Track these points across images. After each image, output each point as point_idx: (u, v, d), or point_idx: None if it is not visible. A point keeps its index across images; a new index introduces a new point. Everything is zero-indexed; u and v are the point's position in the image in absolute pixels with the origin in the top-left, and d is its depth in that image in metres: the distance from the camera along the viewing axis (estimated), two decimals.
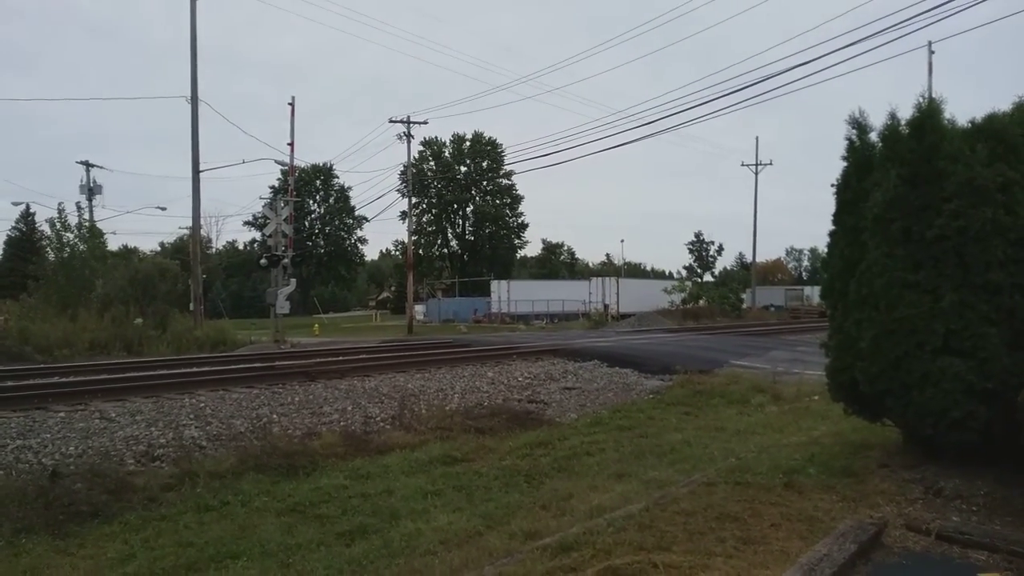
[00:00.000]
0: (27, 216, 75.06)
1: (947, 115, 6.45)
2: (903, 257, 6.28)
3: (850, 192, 7.05)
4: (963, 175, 6.07)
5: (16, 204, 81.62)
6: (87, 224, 35.19)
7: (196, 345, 27.83)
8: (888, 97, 7.78)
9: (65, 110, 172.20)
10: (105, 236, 36.55)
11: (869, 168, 6.83)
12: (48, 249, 35.19)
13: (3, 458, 8.73)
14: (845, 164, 7.19)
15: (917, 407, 6.19)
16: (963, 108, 6.63)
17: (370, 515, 6.72)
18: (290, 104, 35.96)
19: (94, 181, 49.72)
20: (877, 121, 6.91)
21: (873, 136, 6.97)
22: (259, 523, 6.59)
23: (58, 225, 33.09)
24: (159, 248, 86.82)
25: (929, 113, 6.36)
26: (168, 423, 10.78)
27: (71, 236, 32.99)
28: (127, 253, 57.74)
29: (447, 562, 5.25)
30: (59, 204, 34.52)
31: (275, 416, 11.59)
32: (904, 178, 6.32)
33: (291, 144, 36.35)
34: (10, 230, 78.37)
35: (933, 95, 6.51)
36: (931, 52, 35.43)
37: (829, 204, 7.42)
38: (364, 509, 6.92)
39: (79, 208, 34.77)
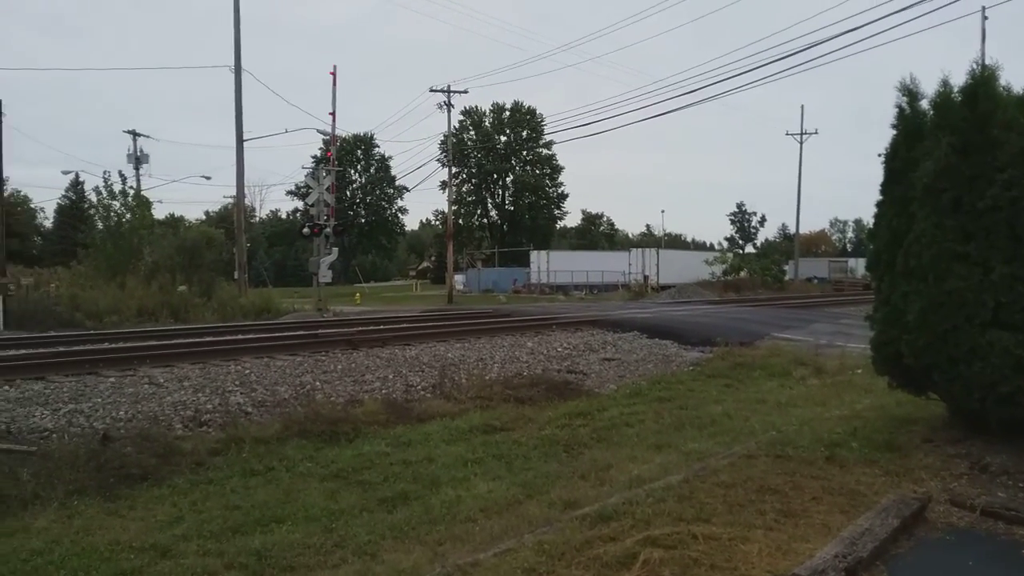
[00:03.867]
0: (76, 185, 76.47)
1: (1002, 82, 6.27)
2: (953, 228, 6.15)
3: (899, 161, 6.90)
4: (1017, 144, 5.91)
5: (66, 173, 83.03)
6: (133, 193, 35.72)
7: (241, 313, 28.21)
8: (939, 65, 7.49)
9: (112, 80, 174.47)
10: (152, 205, 37.08)
11: (919, 137, 6.67)
12: (96, 218, 35.83)
13: (56, 422, 8.96)
14: (894, 132, 7.04)
15: (964, 381, 6.09)
16: (1018, 75, 6.44)
17: (411, 482, 6.81)
18: (331, 73, 36.06)
19: (141, 150, 50.67)
20: (928, 88, 6.75)
21: (924, 104, 6.80)
22: (303, 488, 6.71)
23: (104, 194, 33.69)
24: (204, 217, 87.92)
25: (983, 80, 6.18)
26: (215, 389, 10.99)
27: (117, 205, 33.56)
28: (174, 222, 58.66)
29: (487, 529, 5.31)
30: (104, 173, 35.11)
31: (318, 383, 11.75)
32: (955, 147, 6.16)
33: (333, 114, 36.74)
34: (60, 199, 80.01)
35: (987, 62, 6.33)
36: (984, 18, 34.22)
37: (876, 175, 7.28)
38: (405, 476, 7.00)
39: (123, 177, 35.10)
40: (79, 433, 8.51)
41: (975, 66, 6.32)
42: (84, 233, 36.64)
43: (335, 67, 36.07)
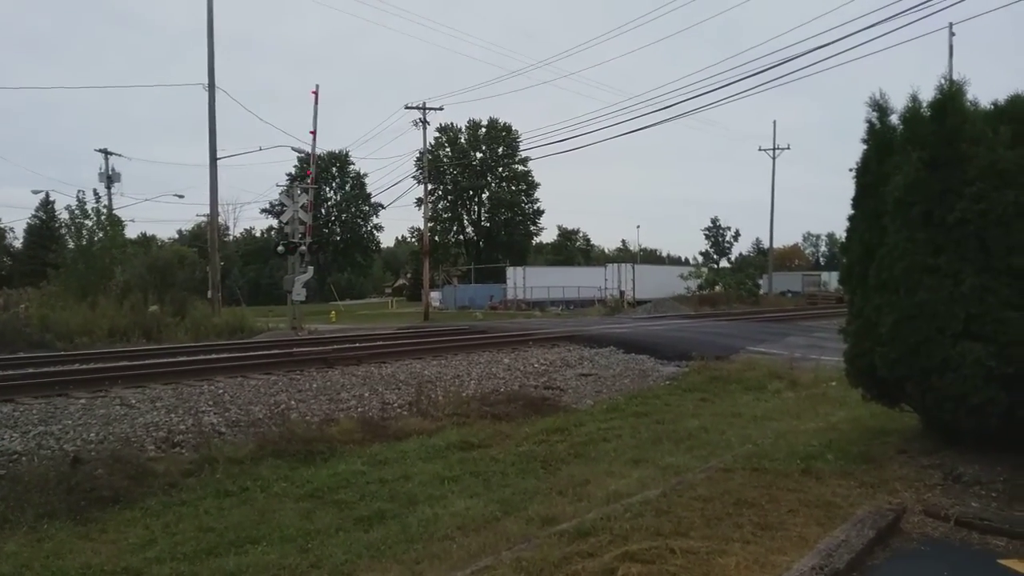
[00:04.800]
0: (47, 204, 75.54)
1: (970, 97, 6.37)
2: (924, 241, 6.22)
3: (870, 176, 6.98)
4: (985, 158, 6.00)
5: (36, 192, 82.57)
6: (106, 212, 35.38)
7: (214, 332, 27.97)
8: (910, 79, 7.63)
9: (84, 98, 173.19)
10: (124, 224, 36.74)
11: (890, 151, 6.76)
12: (67, 237, 35.43)
13: (25, 444, 8.82)
14: (865, 147, 7.12)
15: (936, 393, 6.15)
16: (986, 90, 6.56)
17: (388, 500, 6.76)
18: (314, 92, 35.70)
19: (113, 169, 50.08)
20: (898, 103, 6.85)
21: (894, 119, 6.89)
22: (278, 508, 6.64)
23: (77, 213, 33.32)
24: (177, 235, 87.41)
25: (951, 95, 6.28)
26: (187, 409, 10.87)
27: (90, 224, 33.21)
28: (146, 241, 58.16)
29: (465, 547, 5.28)
30: (78, 192, 34.68)
31: (293, 402, 11.66)
32: (925, 161, 6.25)
33: (313, 132, 36.29)
34: (30, 218, 79.06)
35: (955, 77, 6.44)
36: (952, 34, 34.73)
37: (848, 189, 7.35)
38: (382, 494, 6.95)
39: (97, 195, 34.84)
40: (49, 456, 8.37)
41: (943, 81, 6.42)
42: (55, 253, 36.22)
43: (317, 86, 35.67)
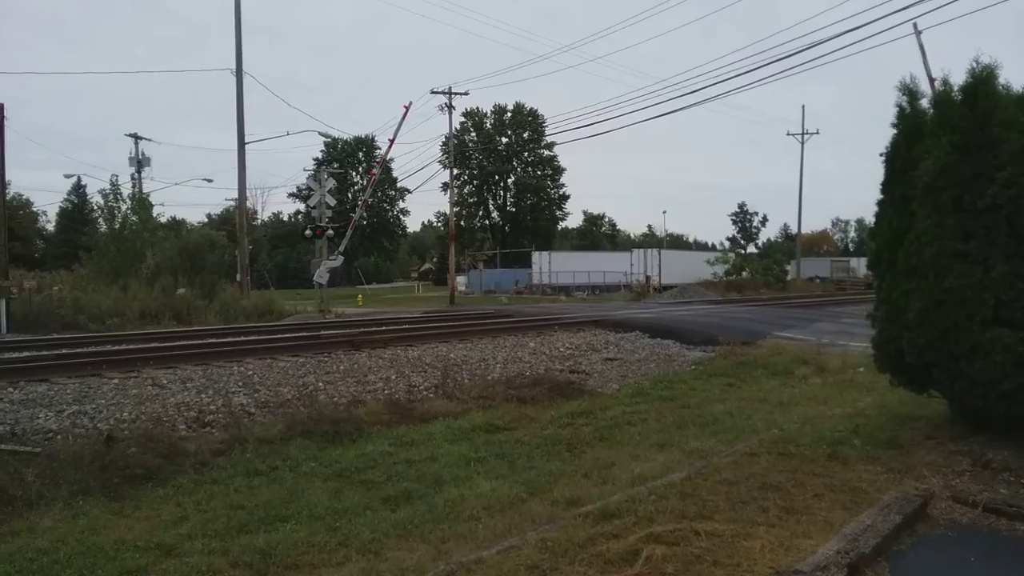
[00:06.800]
0: (79, 188, 76.59)
1: (1002, 81, 6.29)
2: (953, 226, 6.16)
3: (899, 160, 6.92)
4: (1017, 142, 5.92)
5: (68, 176, 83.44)
6: (138, 196, 35.87)
7: (243, 315, 28.24)
8: (941, 64, 7.63)
9: (114, 83, 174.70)
10: (158, 211, 37.32)
11: (919, 136, 6.69)
12: (100, 220, 35.92)
13: (60, 423, 8.99)
14: (895, 132, 7.05)
15: (965, 379, 6.11)
16: (1018, 74, 6.46)
17: (415, 481, 6.83)
18: (405, 107, 37.78)
19: (143, 153, 50.64)
20: (929, 87, 6.76)
21: (924, 103, 6.82)
22: (307, 488, 6.74)
23: (111, 197, 33.77)
24: (206, 219, 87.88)
25: (983, 79, 6.20)
26: (218, 390, 11.01)
27: (124, 207, 33.66)
28: (176, 224, 58.71)
29: (490, 527, 5.33)
30: (112, 176, 35.26)
31: (321, 384, 11.78)
32: (955, 145, 6.18)
33: (391, 140, 38.83)
34: (62, 201, 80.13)
35: (986, 61, 6.34)
36: (919, 32, 32.54)
37: (877, 174, 7.29)
38: (409, 475, 7.03)
39: (133, 180, 35.49)
40: (83, 434, 8.54)
41: (975, 65, 6.34)
42: (87, 236, 36.74)
43: (410, 103, 38.22)
